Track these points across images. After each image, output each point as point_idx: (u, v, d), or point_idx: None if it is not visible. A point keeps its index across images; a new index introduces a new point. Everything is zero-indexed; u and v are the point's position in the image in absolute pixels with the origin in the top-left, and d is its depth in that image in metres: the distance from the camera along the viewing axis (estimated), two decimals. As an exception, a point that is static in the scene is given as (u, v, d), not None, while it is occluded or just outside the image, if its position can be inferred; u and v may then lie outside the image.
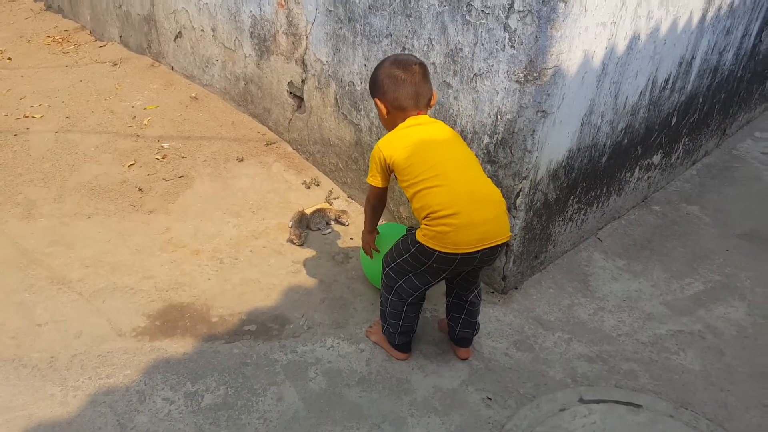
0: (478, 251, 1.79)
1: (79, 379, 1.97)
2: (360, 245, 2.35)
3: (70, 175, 3.05)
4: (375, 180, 1.95)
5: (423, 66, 1.86)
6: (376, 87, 1.90)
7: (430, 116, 1.93)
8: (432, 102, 1.91)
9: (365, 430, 1.86)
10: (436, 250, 1.79)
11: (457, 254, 1.78)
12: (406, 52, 2.36)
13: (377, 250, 2.20)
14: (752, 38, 3.30)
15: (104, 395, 1.92)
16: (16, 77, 4.17)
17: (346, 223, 2.83)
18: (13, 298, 2.29)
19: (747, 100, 3.85)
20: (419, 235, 1.82)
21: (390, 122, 1.93)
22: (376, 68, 1.91)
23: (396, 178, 1.91)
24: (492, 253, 1.83)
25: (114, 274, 2.44)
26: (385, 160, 1.87)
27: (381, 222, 2.85)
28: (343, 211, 2.86)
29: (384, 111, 1.90)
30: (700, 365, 2.18)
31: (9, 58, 4.54)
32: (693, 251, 2.82)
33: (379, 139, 2.65)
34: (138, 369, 2.01)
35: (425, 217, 1.80)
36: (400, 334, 2.07)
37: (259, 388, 1.98)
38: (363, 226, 2.20)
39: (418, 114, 1.89)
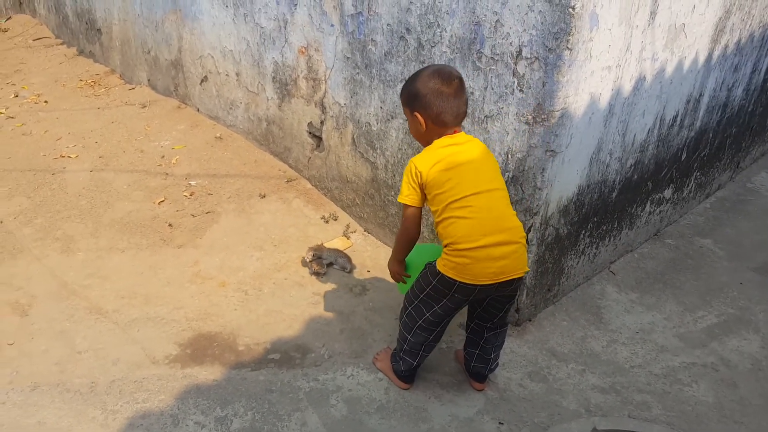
0: (495, 284, 1.83)
1: (117, 403, 2.08)
2: (379, 275, 2.36)
3: (105, 211, 3.22)
4: (411, 198, 1.86)
5: (461, 79, 1.82)
6: (417, 100, 1.81)
7: (464, 132, 1.90)
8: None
9: (384, 457, 1.93)
10: (456, 281, 1.82)
11: (476, 285, 1.82)
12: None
13: (407, 277, 2.07)
14: (762, 74, 3.38)
15: (141, 419, 2.02)
16: (53, 119, 4.41)
17: (347, 270, 2.81)
18: (55, 327, 2.42)
19: (760, 133, 3.90)
20: (440, 265, 1.85)
21: (426, 137, 1.86)
22: (415, 79, 1.82)
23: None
24: (509, 284, 1.87)
25: (147, 304, 2.57)
26: (420, 176, 1.81)
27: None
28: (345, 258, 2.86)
29: (423, 125, 1.83)
30: (713, 397, 2.21)
31: (45, 101, 4.79)
32: (706, 284, 2.86)
33: (395, 175, 2.80)
34: (171, 394, 2.12)
35: (447, 246, 1.82)
36: (409, 370, 2.14)
37: (284, 413, 2.07)
38: (387, 259, 2.10)
39: (455, 132, 1.85)
